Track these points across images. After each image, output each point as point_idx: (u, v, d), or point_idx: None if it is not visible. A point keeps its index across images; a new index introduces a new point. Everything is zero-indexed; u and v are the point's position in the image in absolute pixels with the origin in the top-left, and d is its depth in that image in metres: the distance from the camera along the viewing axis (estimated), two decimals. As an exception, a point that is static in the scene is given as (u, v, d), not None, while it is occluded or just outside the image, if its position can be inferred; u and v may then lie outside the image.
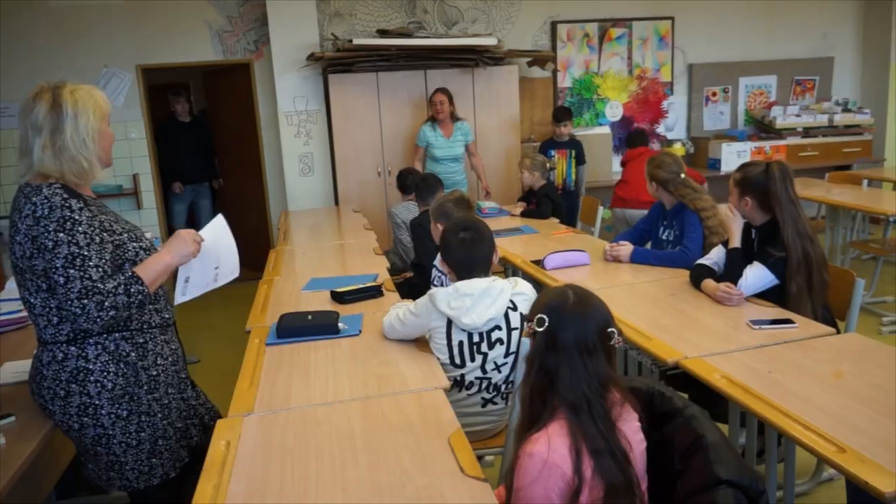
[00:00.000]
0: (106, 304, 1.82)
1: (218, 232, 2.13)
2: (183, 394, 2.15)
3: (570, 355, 1.44)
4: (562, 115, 5.60)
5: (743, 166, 2.77)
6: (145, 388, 1.98)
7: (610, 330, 1.48)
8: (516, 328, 2.29)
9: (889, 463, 1.50)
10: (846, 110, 6.89)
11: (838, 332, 2.37)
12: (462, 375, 2.29)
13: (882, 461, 1.51)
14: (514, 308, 2.28)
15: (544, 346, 1.47)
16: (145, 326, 2.00)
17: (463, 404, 2.31)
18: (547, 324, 1.47)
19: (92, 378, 1.91)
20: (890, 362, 2.02)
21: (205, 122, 6.68)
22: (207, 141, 6.53)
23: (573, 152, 5.54)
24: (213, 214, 2.25)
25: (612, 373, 1.49)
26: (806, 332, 2.29)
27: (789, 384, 1.90)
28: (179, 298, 2.07)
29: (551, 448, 1.38)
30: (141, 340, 1.98)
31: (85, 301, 1.79)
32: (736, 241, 2.74)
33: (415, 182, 4.33)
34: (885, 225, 5.34)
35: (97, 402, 1.91)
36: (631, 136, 5.48)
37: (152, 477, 2.02)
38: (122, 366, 1.94)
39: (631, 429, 1.47)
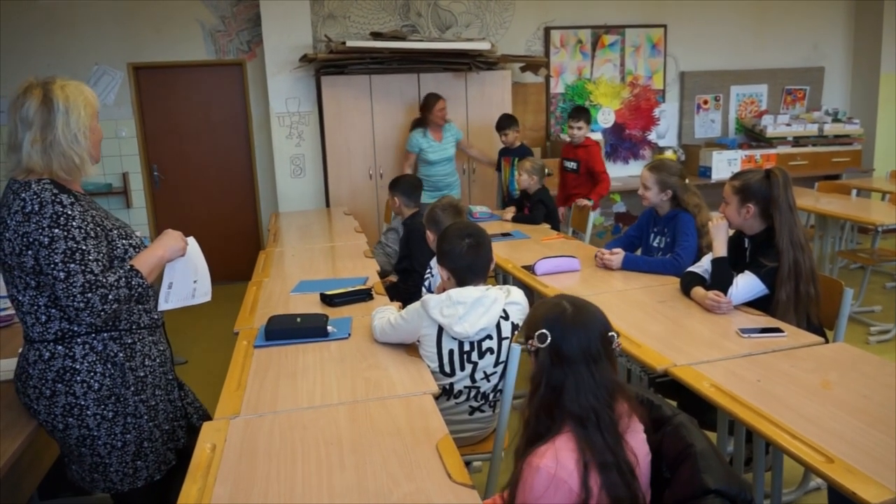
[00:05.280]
0: (110, 297, 1.81)
1: (195, 249, 2.13)
2: (170, 395, 2.13)
3: (577, 367, 1.42)
4: (501, 123, 5.33)
5: (740, 174, 2.73)
6: (132, 389, 1.96)
7: (610, 334, 1.48)
8: (507, 338, 2.28)
9: (876, 473, 1.50)
10: (836, 120, 6.94)
11: (827, 341, 2.38)
12: (451, 384, 2.28)
13: (869, 472, 1.51)
14: (506, 317, 2.27)
15: (549, 362, 1.44)
16: (134, 327, 1.99)
17: (451, 412, 2.30)
18: (550, 339, 1.44)
19: (78, 378, 1.89)
20: (877, 372, 2.03)
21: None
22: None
23: (516, 160, 5.18)
24: None
25: (619, 380, 1.48)
26: (795, 341, 2.29)
27: (777, 393, 1.91)
28: (162, 305, 2.06)
29: (559, 463, 1.35)
30: (129, 341, 1.97)
31: (89, 295, 1.78)
32: (721, 251, 2.74)
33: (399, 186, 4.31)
34: (874, 235, 5.37)
35: (83, 403, 1.89)
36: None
37: (137, 479, 2.00)
38: (109, 366, 1.92)
39: (638, 441, 1.45)
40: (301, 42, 5.74)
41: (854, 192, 5.56)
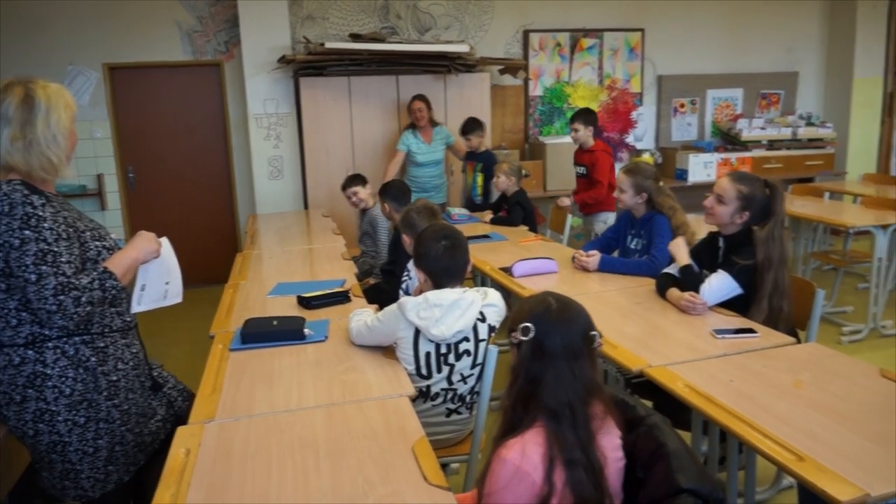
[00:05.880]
0: (83, 299, 1.79)
1: (168, 250, 2.11)
2: (144, 397, 2.10)
3: (557, 362, 1.44)
4: (466, 127, 5.26)
5: (744, 179, 2.71)
6: (104, 394, 1.93)
7: (592, 333, 1.50)
8: (484, 340, 2.28)
9: (846, 472, 1.52)
10: (809, 124, 7.04)
11: (799, 341, 2.41)
12: (428, 387, 2.28)
13: (840, 470, 1.53)
14: (483, 320, 2.27)
15: (530, 355, 1.46)
16: (106, 330, 1.96)
17: (428, 414, 2.29)
18: (533, 332, 1.46)
19: (49, 383, 1.86)
20: (848, 372, 2.06)
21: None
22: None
23: (480, 166, 5.25)
24: None
25: (598, 379, 1.50)
26: (767, 341, 2.33)
27: (750, 393, 1.93)
28: (135, 307, 2.04)
29: (525, 455, 1.38)
30: (101, 344, 1.94)
31: (61, 297, 1.76)
32: (685, 260, 2.80)
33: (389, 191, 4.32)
34: (846, 237, 5.47)
35: (54, 409, 1.87)
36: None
37: (108, 484, 1.98)
38: (81, 371, 1.89)
39: (610, 444, 1.47)
40: (279, 43, 5.71)
41: (827, 194, 5.65)
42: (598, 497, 1.38)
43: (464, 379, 2.30)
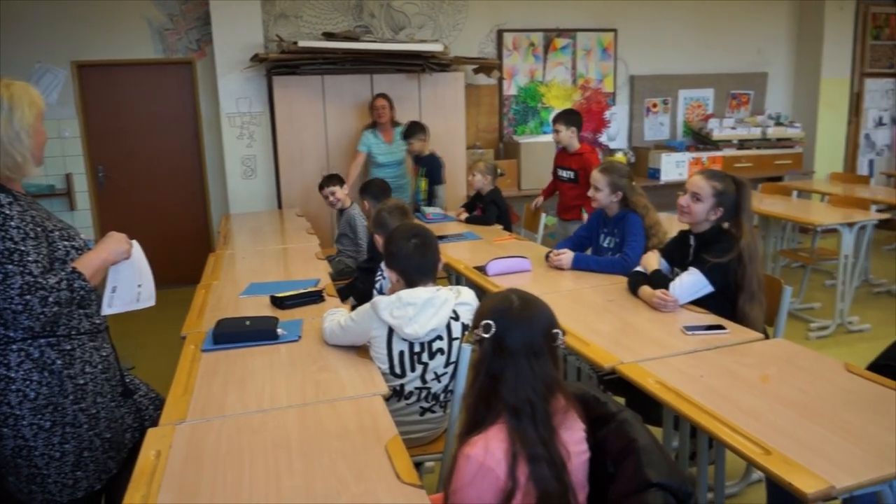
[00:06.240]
0: (50, 299, 1.76)
1: (139, 253, 2.09)
2: (115, 401, 2.07)
3: (518, 359, 1.45)
4: (406, 131, 5.14)
5: (717, 176, 2.75)
6: (70, 397, 1.90)
7: (555, 331, 1.51)
8: (457, 338, 2.29)
9: (812, 464, 1.56)
10: (778, 124, 7.16)
11: (767, 337, 2.45)
12: (402, 385, 2.28)
13: (805, 462, 1.56)
14: (457, 318, 2.28)
15: (491, 352, 1.47)
16: (73, 332, 1.93)
17: (401, 413, 2.30)
18: (494, 329, 1.47)
19: (13, 387, 1.83)
20: (814, 366, 2.10)
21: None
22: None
23: (423, 170, 5.14)
24: None
25: (558, 376, 1.51)
26: (736, 337, 2.36)
27: (719, 388, 1.96)
28: (106, 310, 2.01)
29: (488, 451, 1.39)
30: (68, 347, 1.91)
31: (28, 297, 1.73)
32: (655, 266, 2.84)
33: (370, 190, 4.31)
34: (813, 235, 5.56)
35: (18, 413, 1.83)
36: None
37: (76, 490, 1.94)
38: (46, 374, 1.86)
39: (573, 438, 1.48)
40: (252, 41, 5.67)
41: (795, 193, 5.75)
42: (562, 491, 1.40)
43: (437, 377, 2.31)
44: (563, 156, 4.78)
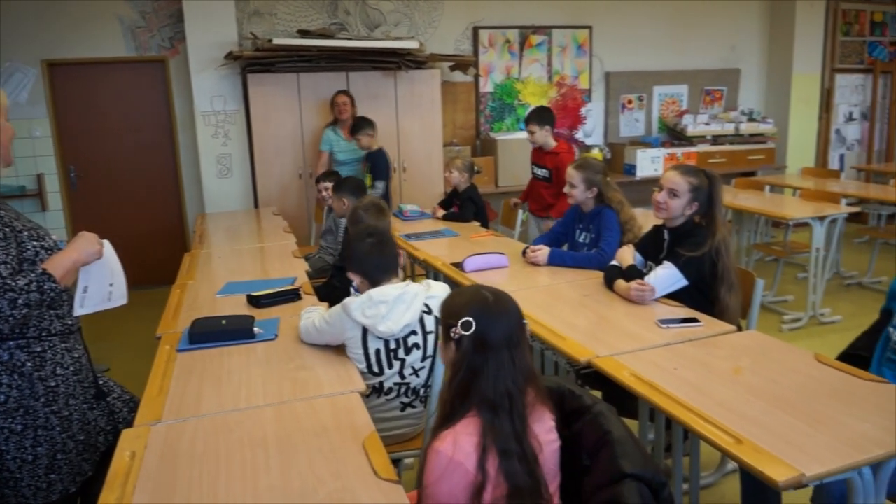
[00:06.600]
0: (19, 301, 1.73)
1: (110, 252, 2.07)
2: (88, 403, 2.05)
3: (499, 352, 1.46)
4: (354, 126, 5.09)
5: (692, 171, 2.78)
6: (42, 400, 1.88)
7: (524, 321, 1.54)
8: (431, 332, 2.30)
9: (782, 453, 1.58)
10: (751, 119, 7.25)
11: (740, 329, 2.49)
12: (381, 382, 2.28)
13: (776, 451, 1.59)
14: (429, 311, 2.29)
15: (472, 349, 1.48)
16: (44, 334, 1.90)
17: (382, 409, 2.30)
18: (475, 326, 1.47)
19: (-17, 390, 1.80)
20: (785, 357, 2.14)
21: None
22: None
23: (369, 166, 5.09)
24: None
25: (533, 366, 1.53)
26: (710, 330, 2.39)
27: (693, 380, 1.99)
28: (78, 310, 1.99)
29: (457, 446, 1.40)
30: (38, 349, 1.88)
31: None
32: (629, 262, 2.88)
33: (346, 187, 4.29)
34: (786, 228, 5.65)
35: (-12, 416, 1.81)
36: None
37: (51, 493, 1.92)
38: (16, 377, 1.83)
39: (543, 428, 1.50)
40: (226, 39, 5.62)
41: (768, 188, 5.83)
42: (534, 486, 1.41)
43: (416, 372, 2.31)
44: (539, 153, 4.72)
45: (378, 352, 2.24)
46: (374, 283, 2.28)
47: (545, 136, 4.58)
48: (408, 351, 2.27)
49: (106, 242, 2.04)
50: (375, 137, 5.13)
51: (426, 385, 2.37)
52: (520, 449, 1.41)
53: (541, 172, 4.70)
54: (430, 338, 2.30)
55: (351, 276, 2.37)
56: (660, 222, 2.91)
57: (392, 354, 2.25)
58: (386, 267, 2.31)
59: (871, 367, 2.29)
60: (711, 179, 2.75)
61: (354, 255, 2.33)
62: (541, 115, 4.63)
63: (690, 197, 2.74)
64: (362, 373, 2.21)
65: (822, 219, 4.64)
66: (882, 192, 5.60)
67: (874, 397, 1.83)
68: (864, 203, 6.08)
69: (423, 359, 2.31)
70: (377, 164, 5.06)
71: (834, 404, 1.80)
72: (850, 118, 8.05)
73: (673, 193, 2.76)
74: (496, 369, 1.46)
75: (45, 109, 5.71)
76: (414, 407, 2.38)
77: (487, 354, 1.46)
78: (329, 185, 4.50)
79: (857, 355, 2.36)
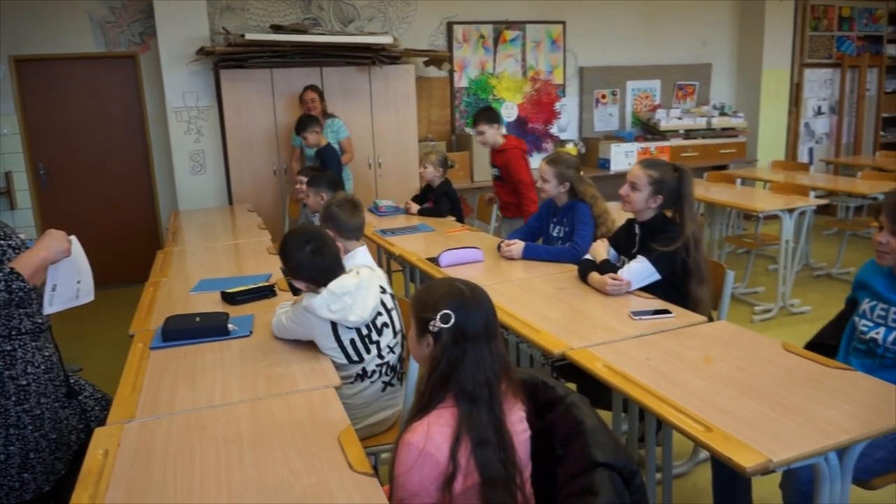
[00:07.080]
0: None
1: (77, 249, 2.05)
2: (59, 401, 2.03)
3: (478, 343, 1.47)
4: (299, 125, 5.03)
5: (654, 165, 2.81)
6: (13, 399, 1.86)
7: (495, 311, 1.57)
8: (393, 308, 2.41)
9: (751, 440, 1.61)
10: (723, 114, 7.35)
11: (711, 320, 2.53)
12: (363, 368, 2.32)
13: (745, 438, 1.62)
14: (384, 291, 2.40)
15: (451, 342, 1.48)
16: (14, 333, 1.88)
17: (366, 393, 2.35)
18: (454, 319, 1.48)
19: (-48, 390, 1.78)
20: (754, 347, 2.18)
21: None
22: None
23: (318, 162, 5.03)
24: None
25: (507, 356, 1.55)
26: (681, 321, 2.43)
27: (665, 370, 2.02)
28: (47, 308, 1.97)
29: (428, 437, 1.41)
30: (8, 348, 1.86)
31: None
32: (604, 255, 2.91)
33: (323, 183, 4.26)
34: (757, 221, 5.74)
35: (-42, 416, 1.78)
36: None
37: (24, 492, 1.90)
38: (-15, 376, 1.81)
39: (515, 418, 1.52)
40: (197, 34, 5.56)
41: (739, 181, 5.92)
42: (507, 475, 1.42)
43: (391, 349, 2.40)
44: (492, 153, 4.64)
45: (353, 341, 2.27)
46: (322, 284, 2.26)
47: (495, 135, 4.50)
48: (379, 332, 2.35)
49: (73, 239, 2.02)
50: (321, 134, 5.08)
51: (400, 359, 2.46)
52: (496, 439, 1.43)
53: (494, 172, 4.67)
54: (394, 314, 2.42)
55: (298, 284, 2.36)
56: (632, 216, 2.94)
57: (367, 340, 2.31)
58: (331, 268, 2.30)
59: (838, 355, 2.34)
60: (681, 173, 2.78)
61: (298, 266, 2.30)
62: (489, 114, 4.54)
63: (652, 190, 2.76)
64: (342, 364, 2.24)
65: (791, 211, 4.73)
66: (850, 185, 5.70)
67: (840, 385, 1.87)
68: (833, 196, 6.18)
69: (395, 335, 2.41)
70: (327, 159, 5.02)
71: (801, 392, 1.84)
72: (818, 112, 8.19)
73: (634, 186, 2.79)
74: (475, 360, 1.47)
75: (12, 106, 5.61)
76: (393, 385, 2.44)
77: (466, 346, 1.47)
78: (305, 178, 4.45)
79: (825, 344, 2.42)
